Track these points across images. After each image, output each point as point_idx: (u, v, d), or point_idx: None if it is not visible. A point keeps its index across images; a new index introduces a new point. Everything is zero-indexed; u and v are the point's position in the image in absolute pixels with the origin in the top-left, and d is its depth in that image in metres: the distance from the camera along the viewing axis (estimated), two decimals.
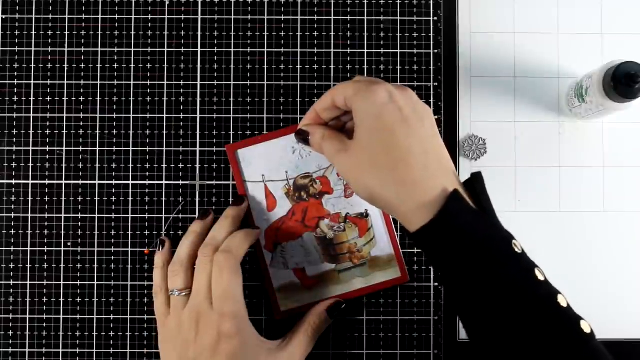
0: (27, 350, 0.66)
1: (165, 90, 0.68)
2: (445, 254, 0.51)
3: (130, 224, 0.67)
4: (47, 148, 0.67)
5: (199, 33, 0.69)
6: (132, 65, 0.68)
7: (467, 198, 0.52)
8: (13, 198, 0.67)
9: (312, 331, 0.63)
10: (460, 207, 0.51)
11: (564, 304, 0.51)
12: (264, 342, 0.60)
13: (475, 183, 0.54)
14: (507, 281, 0.50)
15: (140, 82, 0.68)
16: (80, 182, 0.67)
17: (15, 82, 0.68)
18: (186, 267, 0.62)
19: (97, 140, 0.67)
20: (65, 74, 0.68)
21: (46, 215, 0.67)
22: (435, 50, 0.69)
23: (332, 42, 0.69)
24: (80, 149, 0.67)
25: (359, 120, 0.54)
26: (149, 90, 0.68)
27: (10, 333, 0.66)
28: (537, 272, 0.51)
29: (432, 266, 0.54)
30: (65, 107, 0.67)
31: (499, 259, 0.51)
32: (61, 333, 0.66)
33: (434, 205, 0.51)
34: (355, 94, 0.54)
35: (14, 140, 0.67)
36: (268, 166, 0.66)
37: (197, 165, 0.67)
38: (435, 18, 0.69)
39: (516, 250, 0.51)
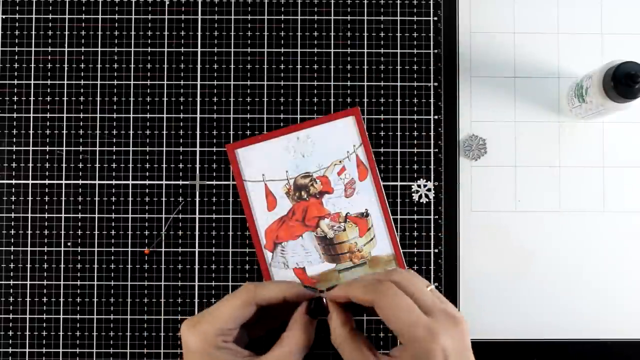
0: (27, 350, 0.66)
1: (165, 90, 0.68)
2: None
3: (130, 224, 0.67)
4: (47, 148, 0.67)
5: (199, 33, 0.69)
6: (132, 65, 0.68)
7: None
8: (13, 198, 0.67)
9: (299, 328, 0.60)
10: None
11: None
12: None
13: None
14: None
15: (140, 82, 0.68)
16: (80, 182, 0.67)
17: (15, 82, 0.68)
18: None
19: (97, 140, 0.67)
20: (65, 74, 0.68)
21: (46, 215, 0.67)
22: (435, 50, 0.69)
23: (332, 42, 0.69)
24: (80, 149, 0.67)
25: None
26: (149, 90, 0.68)
27: (10, 333, 0.66)
28: None
29: None
30: (65, 107, 0.67)
31: None
32: (61, 333, 0.66)
33: None
34: (410, 333, 0.53)
35: (14, 140, 0.67)
36: (268, 165, 0.67)
37: (197, 165, 0.67)
38: (435, 18, 0.69)
39: None
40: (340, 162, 0.67)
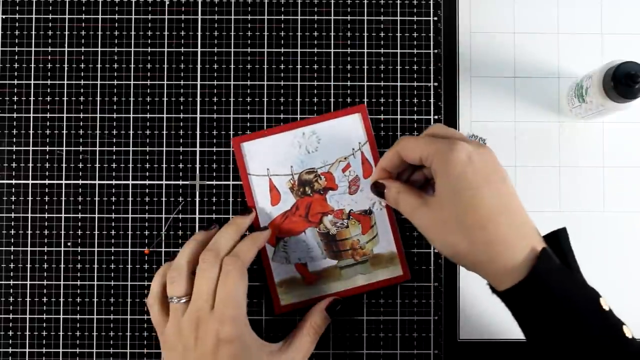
0: (27, 350, 0.66)
1: (165, 90, 0.68)
2: (534, 313, 0.51)
3: (130, 224, 0.67)
4: (47, 148, 0.67)
5: (199, 33, 0.69)
6: (132, 65, 0.68)
7: (554, 256, 0.52)
8: (13, 198, 0.67)
9: (313, 332, 0.62)
10: (549, 266, 0.51)
11: None
12: (265, 345, 0.60)
13: (561, 239, 0.54)
14: (597, 340, 0.50)
15: (140, 82, 0.68)
16: (80, 182, 0.67)
17: (15, 82, 0.67)
18: (185, 274, 0.60)
19: (97, 140, 0.67)
20: (65, 74, 0.68)
21: (46, 215, 0.67)
22: (435, 50, 0.69)
23: (332, 42, 0.69)
24: (80, 149, 0.67)
25: (440, 181, 0.54)
26: (149, 90, 0.68)
27: (10, 333, 0.66)
28: (625, 329, 0.51)
29: (518, 323, 0.54)
30: (65, 107, 0.67)
31: (589, 317, 0.51)
32: (61, 333, 0.66)
33: (524, 265, 0.51)
34: (433, 154, 0.55)
35: (14, 140, 0.67)
36: (273, 160, 0.66)
37: (197, 165, 0.67)
38: (435, 18, 0.69)
39: (604, 307, 0.51)
40: (345, 159, 0.67)
